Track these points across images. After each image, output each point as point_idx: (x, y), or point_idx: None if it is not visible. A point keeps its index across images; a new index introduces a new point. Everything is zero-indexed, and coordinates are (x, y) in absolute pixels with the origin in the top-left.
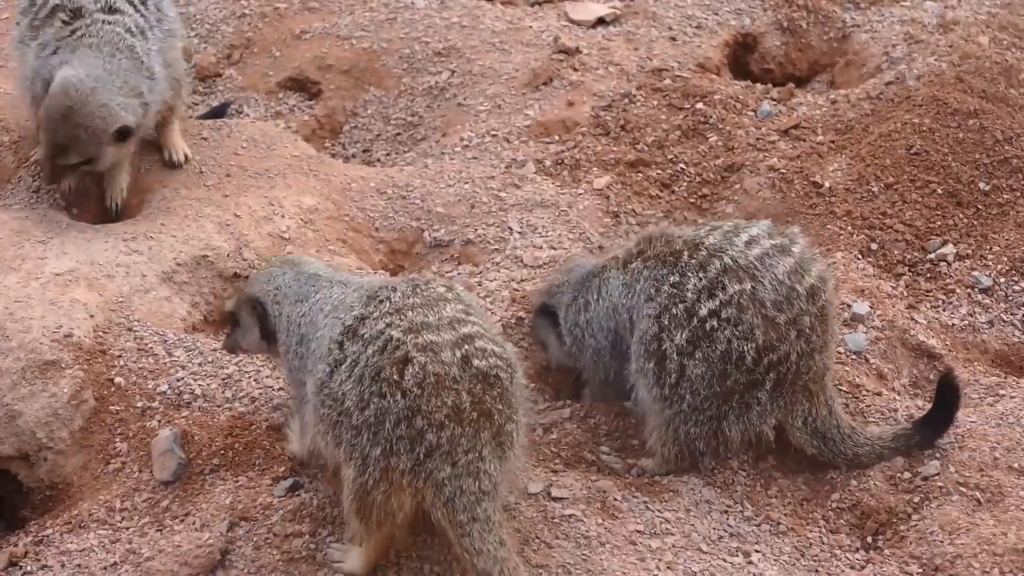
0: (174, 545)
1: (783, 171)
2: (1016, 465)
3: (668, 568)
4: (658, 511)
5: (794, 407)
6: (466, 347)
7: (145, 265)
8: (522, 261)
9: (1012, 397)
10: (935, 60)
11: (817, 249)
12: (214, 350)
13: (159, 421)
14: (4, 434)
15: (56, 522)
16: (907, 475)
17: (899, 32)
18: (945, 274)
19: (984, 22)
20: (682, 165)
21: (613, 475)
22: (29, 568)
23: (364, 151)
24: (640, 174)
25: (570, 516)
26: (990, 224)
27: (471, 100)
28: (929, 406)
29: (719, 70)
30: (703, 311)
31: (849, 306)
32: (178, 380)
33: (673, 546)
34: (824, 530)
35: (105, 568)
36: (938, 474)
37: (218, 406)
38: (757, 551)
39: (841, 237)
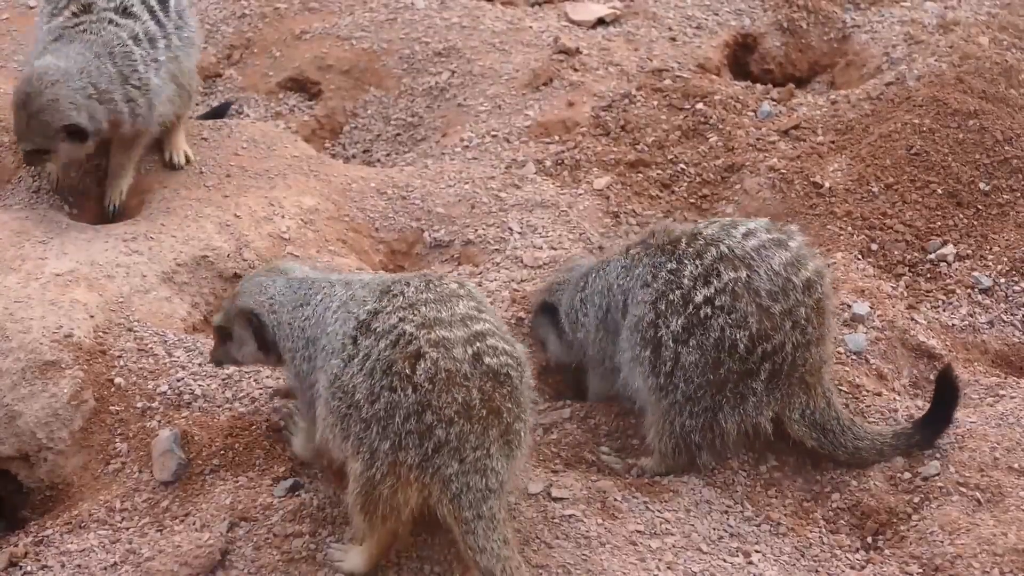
0: (174, 545)
1: (783, 171)
2: (1016, 465)
3: (668, 568)
4: (658, 511)
5: (791, 399)
6: (478, 344)
7: (145, 265)
8: (522, 261)
9: (1012, 397)
10: (935, 61)
11: (817, 249)
12: None
13: (159, 421)
14: (4, 434)
15: (56, 522)
16: (907, 475)
17: (899, 33)
18: (945, 274)
19: (984, 23)
20: (682, 165)
21: (613, 475)
22: (29, 568)
23: (364, 151)
24: (640, 174)
25: (570, 516)
26: (990, 224)
27: (471, 100)
28: (929, 406)
29: (719, 70)
30: (698, 297)
31: (849, 306)
32: (178, 380)
33: (673, 546)
34: (824, 530)
35: (105, 568)
36: (938, 474)
37: (218, 406)
38: (757, 551)
39: (841, 237)
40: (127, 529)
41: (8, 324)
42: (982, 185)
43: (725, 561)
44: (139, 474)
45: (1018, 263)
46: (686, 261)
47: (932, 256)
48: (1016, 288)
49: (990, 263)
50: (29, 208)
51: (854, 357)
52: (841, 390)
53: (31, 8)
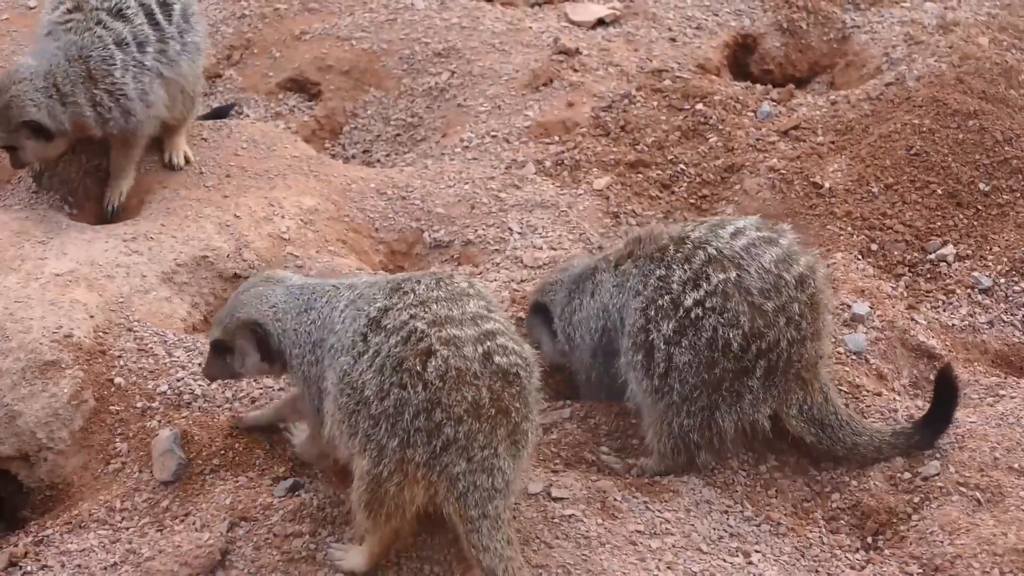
0: (174, 545)
1: (783, 172)
2: (1016, 465)
3: (668, 568)
4: (658, 511)
5: (788, 395)
6: (488, 343)
7: (145, 265)
8: (522, 262)
9: (1012, 397)
10: (935, 61)
11: (817, 250)
12: None
13: (159, 421)
14: (4, 434)
15: (56, 522)
16: (907, 475)
17: (899, 33)
18: (945, 274)
19: (984, 23)
20: (682, 166)
21: (613, 475)
22: (29, 568)
23: (364, 152)
24: (640, 175)
25: (570, 516)
26: (990, 225)
27: (471, 101)
28: (929, 406)
29: (719, 71)
30: (688, 301)
31: (849, 306)
32: (178, 380)
33: (673, 546)
34: (824, 530)
35: (105, 568)
36: (938, 474)
37: (218, 406)
38: (757, 551)
39: (841, 238)
40: (127, 529)
41: (8, 324)
42: (982, 185)
43: (725, 561)
44: (139, 474)
45: (1018, 263)
46: (675, 267)
47: (932, 256)
48: (1016, 288)
49: (990, 263)
50: (29, 208)
51: (854, 357)
52: (841, 390)
53: (31, 8)
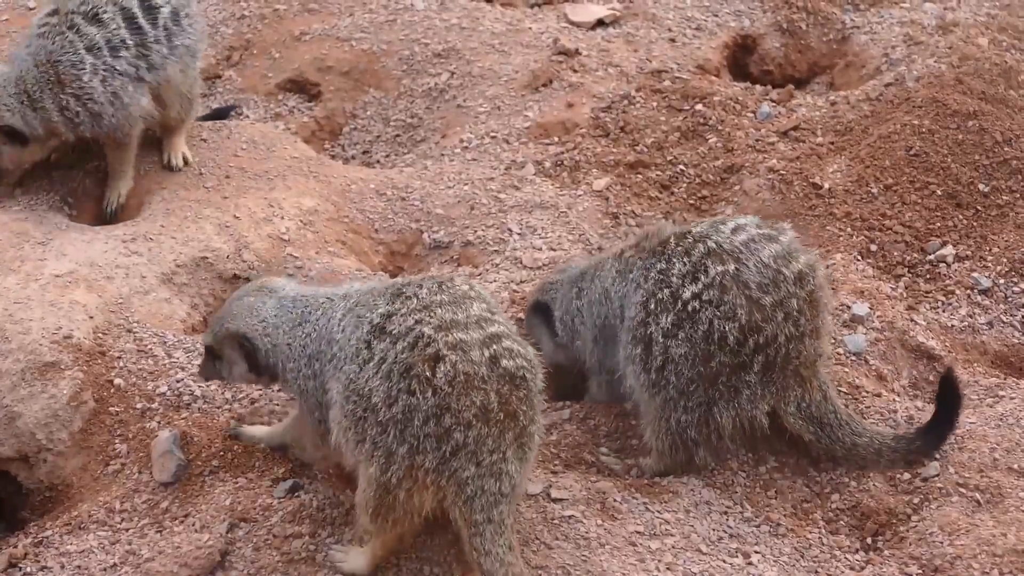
0: (174, 546)
1: (782, 172)
2: (1016, 466)
3: (668, 569)
4: (658, 512)
5: (786, 392)
6: (494, 347)
7: (145, 266)
8: (521, 262)
9: (1012, 398)
10: (934, 62)
11: (816, 250)
12: None
13: (159, 422)
14: (4, 435)
15: (56, 523)
16: (907, 476)
17: (898, 34)
18: (944, 275)
19: (983, 24)
20: (681, 166)
21: (613, 476)
22: (29, 569)
23: (364, 153)
24: (639, 175)
25: (570, 517)
26: (989, 225)
27: (471, 102)
28: (929, 407)
29: (718, 72)
30: (686, 294)
31: (849, 307)
32: (178, 381)
33: (673, 547)
34: (824, 531)
35: (105, 569)
36: (938, 475)
37: (218, 407)
38: (757, 552)
39: (840, 238)
40: (127, 530)
41: (8, 325)
42: (981, 186)
43: (725, 562)
44: (139, 475)
45: (1017, 264)
46: (675, 260)
47: (931, 257)
48: (1015, 289)
49: (989, 264)
50: (29, 209)
51: (854, 358)
52: (841, 391)
53: (31, 9)
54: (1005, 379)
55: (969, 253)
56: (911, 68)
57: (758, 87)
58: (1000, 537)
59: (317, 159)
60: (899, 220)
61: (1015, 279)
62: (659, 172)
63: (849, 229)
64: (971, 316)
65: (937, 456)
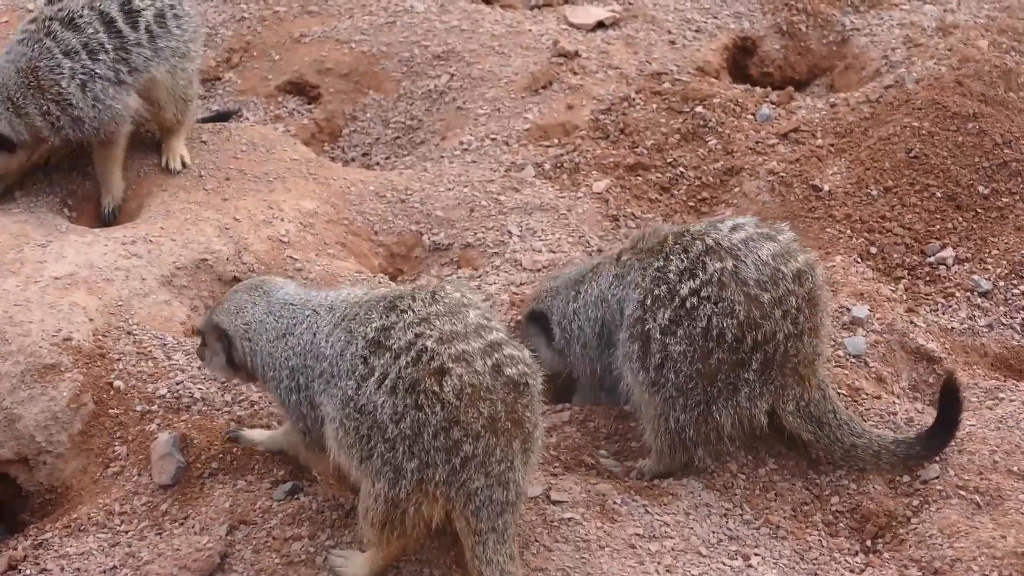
0: (173, 549)
1: (782, 174)
2: (1015, 468)
3: (667, 571)
4: (657, 514)
5: (785, 391)
6: (496, 355)
7: (144, 269)
8: (521, 264)
9: (1011, 400)
10: (934, 64)
11: (816, 252)
12: None
13: (158, 425)
14: (3, 438)
15: (55, 526)
16: (906, 478)
17: (898, 36)
18: (944, 277)
19: (983, 26)
20: (681, 168)
21: (612, 478)
22: (28, 571)
23: (363, 155)
24: (639, 177)
25: (569, 519)
26: (989, 227)
27: (470, 104)
28: (928, 409)
29: (718, 73)
30: (684, 290)
31: (848, 309)
32: (177, 384)
33: (672, 549)
34: (823, 533)
35: (104, 572)
36: (937, 477)
37: (217, 410)
38: (756, 554)
39: (840, 240)
40: (126, 532)
41: (7, 327)
42: (981, 188)
43: (724, 564)
44: (138, 477)
45: (1017, 266)
46: (672, 257)
47: (931, 259)
48: (1015, 291)
49: (989, 266)
50: (28, 211)
51: (853, 360)
52: (840, 393)
53: (30, 11)
54: (1005, 381)
55: (969, 255)
56: (911, 70)
57: (758, 89)
58: (1000, 540)
59: (317, 161)
60: (899, 222)
61: (1015, 281)
62: (659, 174)
63: (849, 231)
64: (971, 318)
65: (937, 458)
